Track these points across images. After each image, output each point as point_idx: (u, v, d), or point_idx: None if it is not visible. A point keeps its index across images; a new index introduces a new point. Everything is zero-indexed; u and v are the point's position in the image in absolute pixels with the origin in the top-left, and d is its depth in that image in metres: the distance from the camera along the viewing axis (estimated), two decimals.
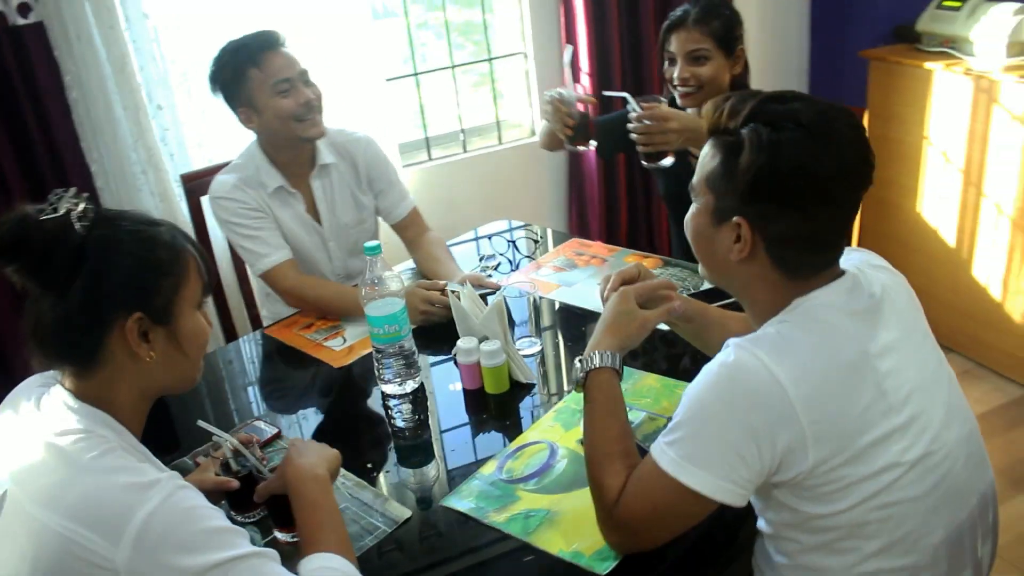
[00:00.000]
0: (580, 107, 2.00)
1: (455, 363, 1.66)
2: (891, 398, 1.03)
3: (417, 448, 1.55)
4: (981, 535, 1.13)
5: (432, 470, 1.47)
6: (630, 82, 3.15)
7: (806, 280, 1.08)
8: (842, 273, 1.10)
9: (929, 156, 2.98)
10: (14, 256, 0.99)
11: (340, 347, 1.86)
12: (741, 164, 1.03)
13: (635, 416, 1.47)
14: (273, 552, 1.00)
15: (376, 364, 1.64)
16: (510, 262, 2.20)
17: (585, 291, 1.96)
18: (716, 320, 1.42)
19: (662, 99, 1.90)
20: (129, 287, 1.02)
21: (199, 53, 2.44)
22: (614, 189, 3.26)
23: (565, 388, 1.64)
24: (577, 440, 1.44)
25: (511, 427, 1.54)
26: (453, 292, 1.72)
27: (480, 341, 1.61)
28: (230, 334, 2.38)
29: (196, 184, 2.28)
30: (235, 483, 1.28)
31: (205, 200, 2.21)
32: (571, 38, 3.06)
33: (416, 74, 3.01)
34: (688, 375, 1.53)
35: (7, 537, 0.99)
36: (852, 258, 1.16)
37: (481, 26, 3.12)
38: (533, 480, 1.36)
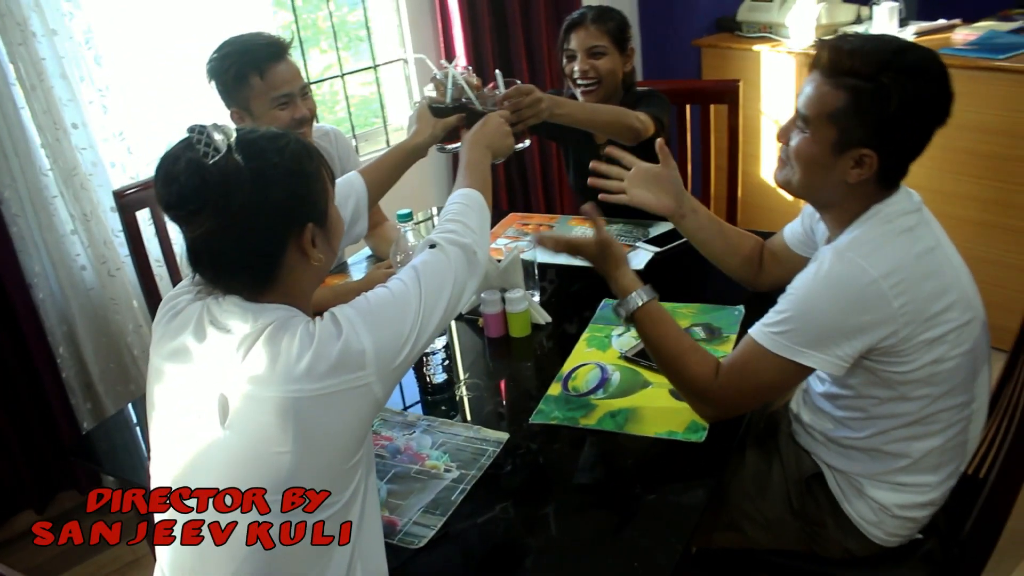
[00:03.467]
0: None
1: (464, 319, 1.84)
2: (945, 279, 1.30)
3: (451, 398, 1.67)
4: (987, 335, 1.41)
5: (495, 406, 1.64)
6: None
7: (887, 191, 1.34)
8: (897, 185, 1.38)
9: (764, 126, 3.49)
10: (197, 204, 1.03)
11: None
12: (882, 107, 1.22)
13: None
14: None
15: None
16: None
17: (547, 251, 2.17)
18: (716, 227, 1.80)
19: (517, 81, 1.93)
20: (296, 202, 1.07)
21: (114, 69, 2.40)
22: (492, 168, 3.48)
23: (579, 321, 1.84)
24: (618, 356, 1.66)
25: (547, 357, 1.73)
26: None
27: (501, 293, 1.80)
28: None
29: (129, 200, 2.23)
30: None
31: (142, 215, 2.19)
32: (448, 44, 3.27)
33: (309, 83, 3.08)
34: (678, 299, 1.80)
35: (253, 428, 1.02)
36: None
37: (366, 32, 3.26)
38: (599, 391, 1.57)
